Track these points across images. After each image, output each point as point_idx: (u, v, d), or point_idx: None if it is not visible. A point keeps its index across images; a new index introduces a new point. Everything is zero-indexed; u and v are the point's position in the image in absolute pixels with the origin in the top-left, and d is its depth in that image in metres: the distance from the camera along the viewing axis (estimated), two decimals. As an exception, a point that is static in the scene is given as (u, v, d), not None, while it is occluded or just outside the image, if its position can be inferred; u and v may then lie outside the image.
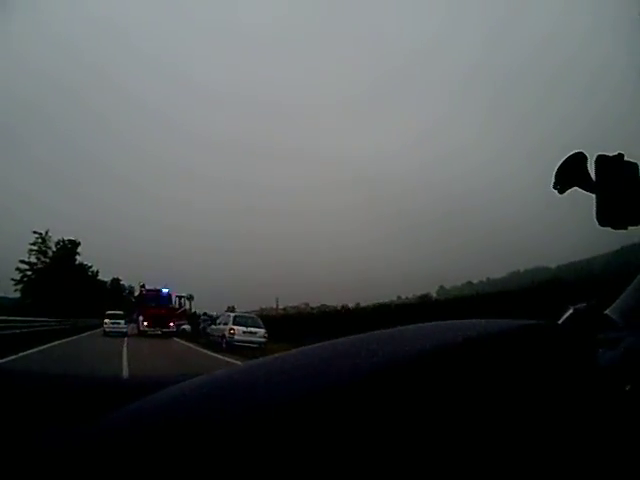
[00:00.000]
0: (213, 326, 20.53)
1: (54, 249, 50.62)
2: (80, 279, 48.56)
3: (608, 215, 0.84)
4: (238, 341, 16.81)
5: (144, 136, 71.85)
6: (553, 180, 0.84)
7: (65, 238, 52.85)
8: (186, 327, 28.65)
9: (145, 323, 28.02)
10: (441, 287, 39.09)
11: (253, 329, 17.61)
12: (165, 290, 31.67)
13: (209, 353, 16.38)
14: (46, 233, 47.92)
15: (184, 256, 59.81)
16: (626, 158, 0.89)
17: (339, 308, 25.99)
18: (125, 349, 15.57)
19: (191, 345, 20.61)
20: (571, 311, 0.92)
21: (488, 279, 38.03)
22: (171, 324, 28.36)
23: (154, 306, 28.85)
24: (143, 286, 33.19)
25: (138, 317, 29.49)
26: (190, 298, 33.80)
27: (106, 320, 25.60)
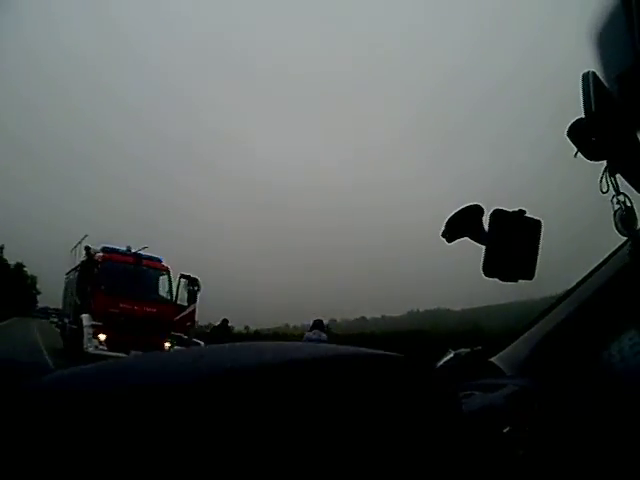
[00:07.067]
0: None
1: None
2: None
3: (493, 267, 0.86)
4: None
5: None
6: (443, 228, 0.85)
7: None
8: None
9: (100, 335, 11.61)
10: (331, 320, 38.14)
11: None
12: (150, 256, 13.46)
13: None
14: None
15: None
16: (529, 215, 0.90)
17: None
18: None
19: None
20: (451, 355, 0.99)
21: (384, 316, 37.25)
22: (166, 343, 12.15)
23: (127, 293, 12.13)
24: (88, 249, 13.37)
25: (78, 315, 12.77)
26: (196, 284, 13.53)
27: None
